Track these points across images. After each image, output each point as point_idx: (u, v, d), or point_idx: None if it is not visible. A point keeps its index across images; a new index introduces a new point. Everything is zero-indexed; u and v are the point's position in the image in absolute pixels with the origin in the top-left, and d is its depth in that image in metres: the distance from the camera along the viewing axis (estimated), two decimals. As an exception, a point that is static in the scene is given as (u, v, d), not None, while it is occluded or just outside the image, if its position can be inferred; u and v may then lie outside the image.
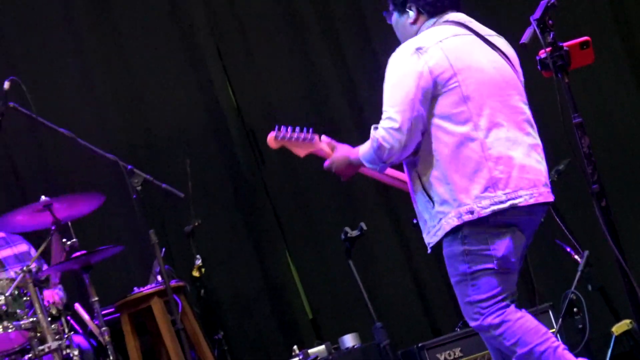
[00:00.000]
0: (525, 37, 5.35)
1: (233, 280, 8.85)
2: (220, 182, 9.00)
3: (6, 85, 7.49)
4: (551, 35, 5.36)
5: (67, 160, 8.35)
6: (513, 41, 5.69)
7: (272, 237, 9.09)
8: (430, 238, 5.69)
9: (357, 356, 7.66)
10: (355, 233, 7.55)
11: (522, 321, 5.57)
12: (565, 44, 5.39)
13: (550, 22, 5.39)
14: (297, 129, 5.90)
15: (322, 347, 7.80)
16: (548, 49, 5.34)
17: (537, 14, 5.37)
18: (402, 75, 5.58)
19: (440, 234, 5.56)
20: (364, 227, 7.62)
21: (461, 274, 5.60)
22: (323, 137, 6.01)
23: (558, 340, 5.63)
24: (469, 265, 5.56)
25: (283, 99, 9.13)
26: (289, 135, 5.93)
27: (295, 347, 7.98)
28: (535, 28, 5.35)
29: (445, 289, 8.95)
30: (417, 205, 5.74)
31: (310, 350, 7.79)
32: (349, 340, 7.79)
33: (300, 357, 7.75)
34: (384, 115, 5.55)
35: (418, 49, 5.53)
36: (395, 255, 9.02)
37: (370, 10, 9.02)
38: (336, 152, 5.98)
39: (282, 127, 5.90)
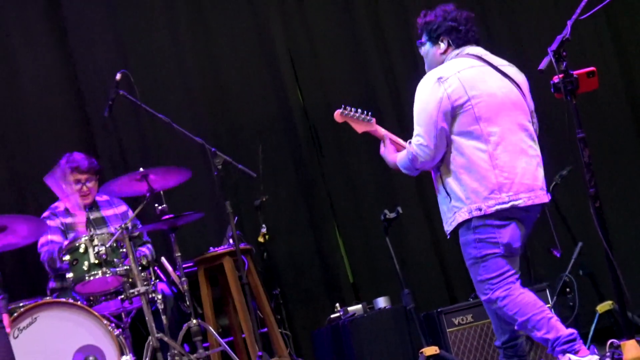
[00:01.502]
0: (543, 65, 5.41)
1: (290, 247, 8.87)
2: (285, 166, 9.00)
3: (118, 76, 7.57)
4: (564, 64, 5.39)
5: (163, 140, 8.41)
6: (531, 65, 5.75)
7: (325, 214, 9.09)
8: (447, 226, 5.93)
9: (387, 316, 7.68)
10: (392, 215, 7.55)
11: (523, 295, 5.68)
12: (575, 72, 5.41)
13: (564, 53, 5.40)
14: (360, 109, 6.11)
15: (359, 306, 7.84)
16: (561, 76, 5.38)
17: (554, 46, 5.41)
18: (426, 102, 5.81)
19: (454, 224, 5.82)
20: (400, 211, 7.62)
21: (473, 258, 5.79)
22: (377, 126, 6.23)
23: (552, 313, 5.68)
24: (480, 250, 5.75)
25: (341, 101, 9.10)
26: (352, 114, 6.20)
27: (337, 304, 8.03)
28: (552, 58, 5.39)
29: (461, 265, 8.82)
30: (439, 199, 5.94)
31: (349, 308, 7.84)
32: (382, 302, 7.82)
33: (341, 312, 7.80)
34: (414, 133, 5.86)
35: (439, 78, 5.76)
36: (424, 235, 9.02)
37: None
38: (388, 153, 6.21)
39: (348, 106, 6.11)
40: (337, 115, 6.18)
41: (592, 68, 5.55)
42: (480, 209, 5.68)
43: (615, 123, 9.24)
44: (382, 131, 6.23)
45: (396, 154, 6.11)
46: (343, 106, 6.15)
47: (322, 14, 9.37)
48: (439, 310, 7.49)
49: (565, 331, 5.70)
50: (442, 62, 5.95)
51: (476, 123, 5.70)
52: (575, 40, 5.54)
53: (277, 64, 9.20)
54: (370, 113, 6.19)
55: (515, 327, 5.82)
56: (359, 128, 6.23)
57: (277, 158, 8.89)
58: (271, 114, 9.12)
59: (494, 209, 5.67)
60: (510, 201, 5.67)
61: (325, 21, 9.37)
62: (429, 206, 8.93)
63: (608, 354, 5.50)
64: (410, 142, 5.87)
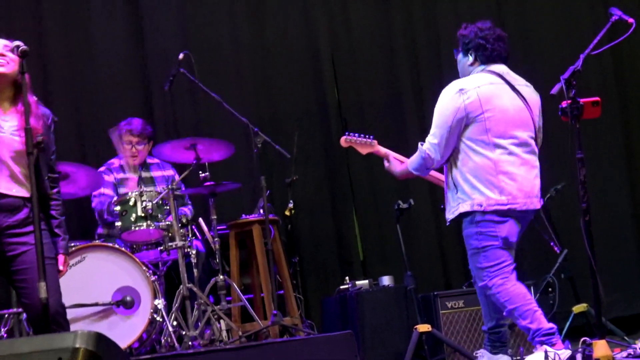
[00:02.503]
0: (555, 90, 5.42)
1: (312, 222, 8.86)
2: (316, 152, 8.97)
3: (181, 56, 7.57)
4: (573, 92, 5.39)
5: (212, 116, 8.38)
6: (545, 86, 5.74)
7: (345, 198, 9.08)
8: (449, 214, 6.00)
9: (389, 293, 7.65)
10: (405, 205, 7.55)
11: (515, 287, 5.75)
12: (581, 100, 5.40)
13: (574, 82, 5.39)
14: (362, 134, 6.27)
15: (366, 281, 7.81)
16: (569, 101, 5.37)
17: (566, 74, 5.41)
18: (445, 107, 5.89)
19: (456, 213, 5.90)
20: (412, 203, 7.63)
21: (475, 248, 5.83)
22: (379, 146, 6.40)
23: (537, 306, 5.71)
24: (481, 242, 5.80)
25: (370, 102, 9.12)
26: (355, 138, 6.35)
27: (347, 277, 8.01)
28: (563, 85, 5.37)
29: (458, 256, 8.93)
30: (446, 191, 6.02)
31: (357, 282, 7.81)
32: (386, 280, 7.79)
33: (349, 285, 7.79)
34: (430, 132, 5.93)
35: (460, 89, 5.85)
36: (430, 227, 9.02)
37: (445, 47, 8.97)
38: (393, 167, 6.39)
39: (350, 132, 6.28)
40: (342, 141, 6.39)
41: (597, 98, 5.55)
42: (481, 205, 5.77)
43: (607, 143, 9.19)
44: (383, 150, 6.39)
45: (404, 162, 6.24)
46: (347, 132, 6.43)
47: (362, 18, 9.34)
48: (435, 293, 7.49)
49: (546, 324, 5.72)
50: (470, 73, 6.02)
51: (485, 134, 5.77)
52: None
53: (319, 62, 9.17)
54: (372, 136, 6.33)
55: (504, 314, 5.85)
56: (363, 150, 6.37)
57: (309, 144, 8.86)
58: (309, 105, 9.10)
59: (493, 207, 5.75)
60: (508, 204, 5.75)
61: (364, 25, 9.35)
62: (436, 202, 8.92)
63: (580, 350, 5.50)
64: (422, 143, 5.96)
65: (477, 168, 5.79)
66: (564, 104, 5.49)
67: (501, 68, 5.99)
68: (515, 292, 5.77)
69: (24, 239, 5.08)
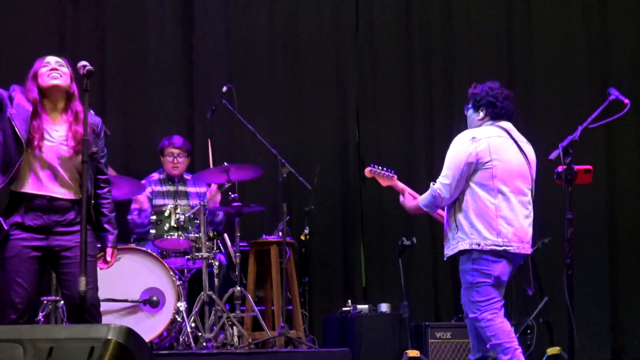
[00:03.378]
0: (553, 155, 5.43)
1: (323, 248, 8.82)
2: (333, 186, 8.98)
3: (224, 89, 7.62)
4: (569, 159, 5.37)
5: (246, 144, 8.36)
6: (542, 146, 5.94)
7: (355, 229, 9.05)
8: (448, 251, 5.92)
9: (385, 319, 7.67)
10: (408, 242, 7.58)
11: (502, 324, 5.72)
12: (576, 167, 5.41)
13: (570, 150, 5.39)
14: (384, 168, 6.18)
15: (366, 306, 7.82)
16: (564, 167, 5.37)
17: (564, 143, 5.41)
18: (458, 152, 5.83)
19: (455, 250, 5.82)
20: (414, 241, 7.65)
21: (469, 283, 5.77)
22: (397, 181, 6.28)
23: (518, 345, 5.69)
24: (475, 278, 5.74)
25: (387, 146, 9.10)
26: (378, 171, 6.23)
27: (349, 301, 8.02)
28: (561, 152, 5.37)
29: (450, 292, 8.94)
30: (446, 229, 5.95)
31: (358, 306, 7.81)
32: (384, 307, 7.78)
33: (351, 308, 7.80)
34: (442, 174, 5.86)
35: (473, 138, 5.80)
36: (427, 263, 8.97)
37: (458, 102, 8.96)
38: (407, 202, 6.23)
39: (375, 165, 6.20)
40: (367, 171, 6.32)
41: (589, 167, 5.55)
42: (479, 245, 5.71)
43: (593, 207, 9.17)
44: (401, 185, 6.27)
45: (416, 199, 6.15)
46: (372, 165, 6.28)
47: (386, 72, 9.34)
48: (426, 323, 7.52)
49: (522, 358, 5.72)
50: (479, 126, 5.97)
51: (491, 180, 5.75)
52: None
53: (345, 107, 9.19)
54: (393, 171, 6.25)
55: (488, 346, 5.83)
56: (383, 182, 6.29)
57: (328, 179, 8.85)
58: (332, 144, 9.08)
59: (489, 247, 5.69)
60: (503, 245, 5.70)
61: (388, 77, 9.33)
62: (435, 242, 8.90)
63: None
64: (434, 183, 5.89)
65: (479, 210, 5.78)
66: (560, 168, 5.49)
67: (508, 125, 6.00)
68: (501, 328, 5.76)
69: (70, 237, 5.09)
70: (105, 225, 5.28)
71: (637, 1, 9.69)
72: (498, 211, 5.73)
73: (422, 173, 9.03)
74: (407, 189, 6.32)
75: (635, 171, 9.46)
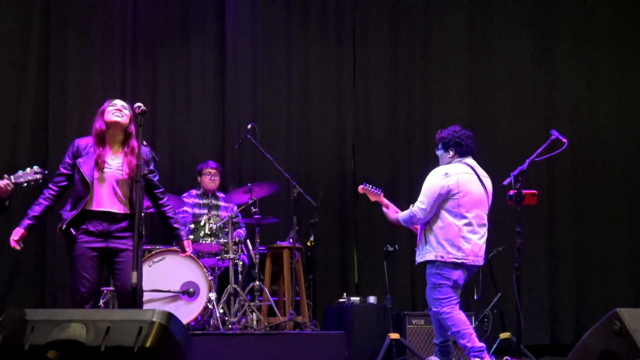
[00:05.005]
0: (506, 182, 5.54)
1: (325, 253, 8.79)
2: (334, 204, 8.95)
3: (249, 126, 7.64)
4: (518, 185, 5.39)
5: (265, 170, 8.36)
6: (499, 175, 5.93)
7: (350, 238, 9.03)
8: (418, 258, 6.06)
9: (373, 308, 7.65)
10: (391, 249, 7.55)
11: (459, 315, 5.81)
12: (524, 191, 5.42)
13: (520, 178, 5.42)
14: (374, 187, 6.28)
15: (358, 298, 7.80)
16: (515, 191, 5.39)
17: (515, 172, 5.45)
18: (434, 184, 5.89)
19: (424, 259, 5.97)
20: (397, 248, 7.65)
21: (432, 284, 5.89)
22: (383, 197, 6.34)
23: (473, 330, 5.72)
24: (438, 280, 5.84)
25: (377, 176, 9.03)
26: (368, 188, 6.31)
27: (345, 294, 8.00)
28: (512, 179, 5.39)
29: (424, 288, 8.81)
30: (418, 242, 6.06)
31: (351, 298, 7.80)
32: (372, 299, 7.75)
33: (346, 299, 7.77)
34: (419, 199, 5.94)
35: (446, 174, 5.89)
36: (405, 265, 8.88)
37: (432, 144, 8.94)
38: (390, 214, 6.30)
39: (366, 183, 6.29)
40: (360, 189, 6.42)
41: (535, 191, 5.59)
42: (442, 257, 5.82)
43: (536, 222, 9.18)
44: (385, 201, 6.34)
45: (397, 213, 6.22)
46: (364, 183, 6.38)
47: (378, 115, 9.30)
48: (405, 312, 7.51)
49: (478, 344, 5.72)
50: (450, 163, 5.98)
51: (457, 207, 5.80)
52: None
53: (344, 143, 9.16)
54: (380, 189, 6.34)
55: (449, 333, 5.84)
56: (372, 198, 6.36)
57: (329, 198, 8.80)
58: (333, 172, 9.06)
59: (451, 260, 5.79)
60: (462, 259, 5.81)
61: (379, 120, 9.30)
62: (412, 248, 8.85)
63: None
64: (412, 205, 5.96)
65: (446, 231, 5.83)
66: (511, 192, 5.53)
67: (472, 162, 6.04)
68: (459, 319, 5.80)
69: (123, 241, 5.20)
70: (175, 225, 5.48)
71: (580, 60, 9.70)
72: (460, 232, 5.81)
73: (403, 194, 9.03)
74: (390, 204, 6.35)
75: (570, 195, 9.45)
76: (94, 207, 5.17)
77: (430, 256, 5.90)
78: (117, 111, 5.28)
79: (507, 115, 9.33)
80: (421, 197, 5.95)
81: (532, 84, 9.57)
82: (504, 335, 7.16)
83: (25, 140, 8.14)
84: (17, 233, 5.19)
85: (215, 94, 8.89)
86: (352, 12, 9.29)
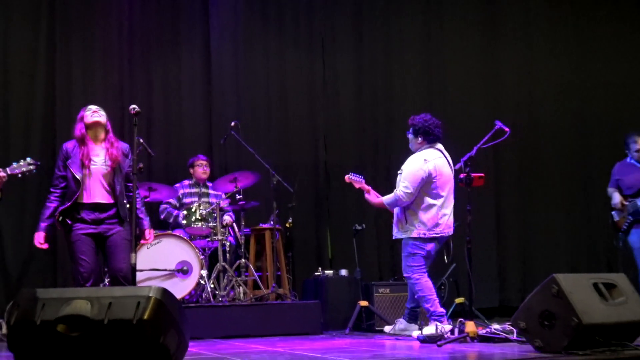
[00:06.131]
0: (457, 166, 5.56)
1: (302, 233, 8.74)
2: (308, 190, 8.93)
3: (232, 123, 7.57)
4: (468, 169, 5.42)
5: (248, 161, 8.25)
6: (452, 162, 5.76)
7: (324, 219, 9.01)
8: (398, 234, 6.01)
9: (344, 280, 7.66)
10: (359, 227, 7.54)
11: (427, 282, 5.88)
12: (473, 174, 5.45)
13: (469, 163, 5.44)
14: (357, 174, 6.25)
15: (331, 272, 7.80)
16: (465, 174, 5.41)
17: (465, 157, 5.50)
18: (416, 170, 5.88)
19: (406, 235, 5.96)
20: (364, 226, 7.66)
21: (409, 252, 5.91)
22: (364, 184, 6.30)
23: (437, 296, 5.75)
24: (413, 249, 5.87)
25: (348, 164, 9.01)
26: (352, 177, 6.28)
27: (320, 268, 8.00)
28: (462, 164, 5.43)
29: (389, 261, 8.94)
30: (400, 219, 5.99)
31: (326, 271, 7.80)
32: (343, 272, 7.75)
33: (321, 273, 7.77)
34: (402, 185, 5.88)
35: (425, 160, 5.90)
36: (372, 242, 8.96)
37: (397, 132, 8.92)
38: (371, 199, 6.23)
39: (352, 172, 6.28)
40: (346, 178, 6.38)
41: (482, 174, 5.61)
42: (425, 235, 5.87)
43: (484, 201, 9.21)
44: (367, 187, 6.29)
45: (380, 197, 6.18)
46: (350, 172, 6.29)
47: (347, 109, 9.28)
48: (372, 283, 7.49)
49: (440, 309, 5.76)
50: (419, 149, 6.04)
51: (435, 189, 5.83)
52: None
53: (316, 135, 9.15)
54: (362, 176, 6.33)
55: (416, 297, 5.87)
56: (356, 185, 6.34)
57: (305, 184, 8.78)
58: (308, 161, 9.04)
59: (429, 235, 5.85)
60: (440, 233, 5.88)
61: (349, 113, 9.28)
62: (379, 227, 8.89)
63: (457, 326, 5.50)
64: (397, 189, 5.92)
65: (427, 211, 5.82)
66: (462, 175, 5.55)
67: (440, 147, 6.06)
68: (426, 285, 5.82)
69: (113, 227, 5.31)
70: (140, 215, 5.47)
71: (520, 59, 9.75)
72: (439, 210, 5.81)
73: (369, 180, 8.85)
74: (371, 189, 6.33)
75: (513, 176, 9.52)
76: (85, 200, 5.28)
77: (413, 234, 5.90)
78: (94, 113, 5.44)
79: (459, 106, 9.36)
80: (404, 182, 5.91)
81: (480, 78, 9.65)
82: (459, 300, 7.20)
83: (35, 139, 8.06)
84: (39, 237, 5.35)
85: (202, 95, 8.83)
86: (321, 20, 9.28)
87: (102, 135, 5.42)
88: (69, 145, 5.42)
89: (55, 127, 8.09)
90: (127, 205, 5.46)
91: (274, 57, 9.12)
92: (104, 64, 8.44)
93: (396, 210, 6.10)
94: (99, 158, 5.35)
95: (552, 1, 9.95)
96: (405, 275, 5.99)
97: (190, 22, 8.87)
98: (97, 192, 5.29)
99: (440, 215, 5.85)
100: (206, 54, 8.86)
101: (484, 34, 9.70)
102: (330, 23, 9.31)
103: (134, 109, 5.23)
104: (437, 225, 5.83)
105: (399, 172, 6.10)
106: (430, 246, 5.89)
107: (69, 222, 5.22)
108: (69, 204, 5.24)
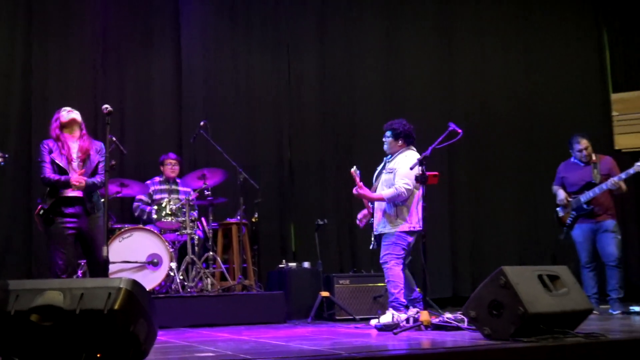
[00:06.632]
0: (413, 166, 5.47)
1: (267, 227, 8.70)
2: (274, 186, 8.92)
3: (202, 123, 7.54)
4: (423, 168, 5.43)
5: (216, 159, 8.19)
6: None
7: (288, 214, 8.99)
8: (384, 229, 5.90)
9: (307, 272, 7.67)
10: (321, 222, 7.58)
11: (400, 272, 5.84)
12: (428, 172, 5.47)
13: (424, 162, 5.46)
14: (359, 171, 5.94)
15: (295, 264, 7.79)
16: (420, 173, 5.41)
17: (421, 157, 5.52)
18: (411, 168, 5.69)
19: (397, 229, 5.84)
20: (326, 222, 7.68)
21: (393, 242, 5.82)
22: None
23: (403, 287, 5.77)
24: (397, 242, 5.80)
25: (311, 160, 9.01)
26: (357, 172, 5.93)
27: (284, 260, 7.98)
28: (417, 164, 5.43)
29: (350, 254, 8.97)
30: (390, 214, 5.89)
31: (289, 264, 7.79)
32: (306, 264, 7.75)
33: (285, 265, 7.75)
34: (403, 181, 5.82)
35: (417, 158, 5.64)
36: (333, 236, 8.96)
37: (357, 129, 8.91)
38: (365, 192, 5.97)
39: (356, 167, 5.96)
40: (352, 171, 5.95)
41: (436, 173, 5.64)
42: (414, 228, 5.83)
43: (439, 198, 9.26)
44: (360, 183, 5.98)
45: (375, 193, 6.01)
46: (355, 167, 5.97)
47: (309, 109, 9.27)
48: (333, 274, 7.52)
49: (402, 299, 5.77)
50: (399, 151, 6.01)
51: (420, 187, 5.69)
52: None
53: (281, 134, 9.12)
54: (359, 172, 5.97)
55: (386, 281, 5.88)
56: (357, 179, 5.95)
57: (270, 181, 8.82)
58: (272, 159, 9.02)
59: (415, 229, 5.82)
60: (420, 229, 5.74)
61: (312, 114, 9.27)
62: (340, 222, 8.94)
63: (412, 315, 5.52)
64: (397, 185, 5.82)
65: (418, 206, 5.80)
66: (418, 174, 5.57)
67: (414, 149, 6.06)
68: (399, 274, 5.80)
69: (85, 220, 5.39)
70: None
71: (473, 63, 9.84)
72: (421, 206, 5.74)
73: (330, 178, 9.06)
74: (362, 185, 6.11)
75: (466, 175, 9.61)
76: (63, 194, 5.32)
77: (403, 227, 5.86)
78: (69, 112, 5.51)
79: (416, 108, 9.39)
80: (404, 180, 5.83)
81: (436, 81, 9.72)
82: (324, 293, 7.23)
83: (13, 138, 7.97)
84: (74, 176, 5.41)
85: (173, 95, 8.77)
86: (287, 25, 9.28)
87: (77, 133, 5.47)
88: (50, 142, 5.47)
89: (32, 124, 7.99)
90: (102, 200, 5.46)
91: (241, 60, 9.10)
92: (78, 65, 8.35)
93: (383, 206, 6.00)
94: (75, 155, 5.43)
95: (503, 10, 10.07)
96: (382, 261, 5.91)
97: (162, 26, 8.82)
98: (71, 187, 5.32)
99: (422, 211, 5.86)
100: (177, 56, 8.82)
101: (440, 40, 9.77)
102: (295, 28, 9.31)
103: (107, 108, 5.21)
104: (418, 220, 5.84)
105: (387, 170, 6.02)
106: (411, 239, 5.89)
107: (51, 216, 5.25)
108: (54, 199, 5.28)
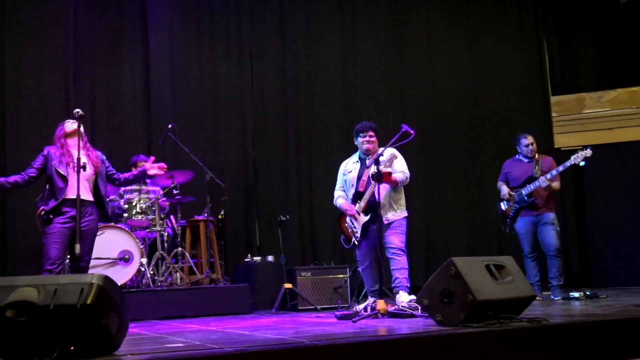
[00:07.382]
0: (369, 164, 5.46)
1: (233, 223, 8.70)
2: (239, 185, 8.89)
3: (170, 126, 7.51)
4: (377, 167, 5.43)
5: (184, 159, 8.13)
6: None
7: (253, 211, 8.96)
8: (393, 217, 5.79)
9: (271, 265, 7.65)
10: (284, 218, 7.56)
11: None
12: (383, 170, 5.48)
13: (379, 161, 5.45)
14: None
15: (259, 258, 7.78)
16: (376, 171, 5.42)
17: (376, 156, 5.49)
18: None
19: (401, 217, 5.81)
20: (288, 217, 7.67)
21: (404, 230, 5.80)
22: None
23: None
24: (405, 228, 5.82)
25: (273, 160, 8.99)
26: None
27: (249, 254, 7.98)
28: (373, 163, 5.42)
29: (310, 248, 8.96)
30: (390, 204, 5.78)
31: (254, 258, 7.78)
32: (270, 258, 7.75)
33: (250, 259, 7.74)
34: (404, 169, 5.84)
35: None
36: (295, 231, 8.98)
37: (316, 129, 8.86)
38: (389, 176, 5.71)
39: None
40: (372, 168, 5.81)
41: (390, 171, 5.64)
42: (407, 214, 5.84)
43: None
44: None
45: (392, 176, 5.77)
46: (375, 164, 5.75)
47: (272, 108, 9.24)
48: (295, 267, 7.50)
49: (374, 286, 5.77)
50: (377, 150, 5.92)
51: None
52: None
53: (245, 134, 9.06)
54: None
55: (397, 267, 5.76)
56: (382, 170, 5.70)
57: (235, 180, 8.78)
58: (237, 158, 8.97)
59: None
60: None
61: (273, 113, 9.22)
62: (302, 217, 8.95)
63: (369, 304, 5.54)
64: (404, 171, 5.84)
65: (405, 194, 5.82)
66: (374, 172, 5.58)
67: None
68: (407, 261, 5.81)
69: (88, 222, 5.37)
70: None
71: (424, 68, 9.89)
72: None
73: (292, 176, 9.04)
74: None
75: (418, 172, 9.62)
76: (69, 196, 5.27)
77: (405, 213, 5.87)
78: (73, 123, 5.40)
79: (370, 110, 9.42)
80: (403, 168, 5.86)
81: (389, 84, 9.78)
82: (287, 285, 7.26)
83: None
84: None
85: (142, 99, 8.68)
86: (249, 32, 9.25)
87: (81, 142, 5.41)
88: (52, 149, 5.40)
89: (5, 125, 7.83)
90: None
91: (206, 65, 9.04)
92: (51, 70, 8.19)
93: (389, 194, 5.84)
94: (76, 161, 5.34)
95: (450, 17, 10.14)
96: (402, 249, 5.77)
97: (131, 32, 8.72)
98: (75, 189, 5.22)
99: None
100: (145, 62, 8.73)
101: (392, 44, 9.83)
102: (257, 34, 9.28)
103: (78, 112, 5.15)
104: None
105: (379, 163, 5.61)
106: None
107: (51, 216, 5.22)
108: (56, 202, 5.21)
